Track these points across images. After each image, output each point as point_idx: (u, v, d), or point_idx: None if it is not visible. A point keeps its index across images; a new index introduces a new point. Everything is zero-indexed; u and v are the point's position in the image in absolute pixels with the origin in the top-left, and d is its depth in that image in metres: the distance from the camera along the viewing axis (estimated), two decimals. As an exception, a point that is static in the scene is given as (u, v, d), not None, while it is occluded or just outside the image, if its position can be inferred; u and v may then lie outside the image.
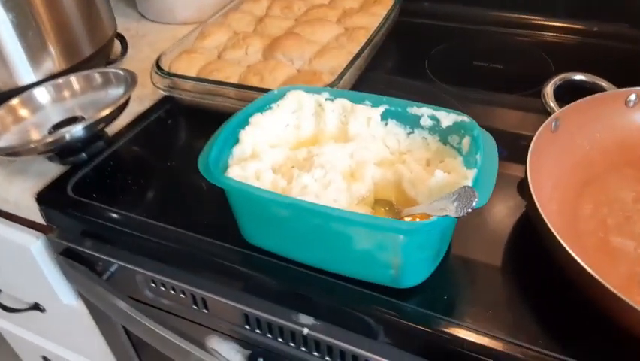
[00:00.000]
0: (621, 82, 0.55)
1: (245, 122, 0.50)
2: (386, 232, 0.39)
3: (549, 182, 0.49)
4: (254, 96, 0.59)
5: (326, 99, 0.52)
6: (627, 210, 0.48)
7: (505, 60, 0.75)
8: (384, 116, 0.51)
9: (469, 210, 0.34)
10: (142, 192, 0.57)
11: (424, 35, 0.84)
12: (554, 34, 0.80)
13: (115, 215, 0.55)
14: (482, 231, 0.49)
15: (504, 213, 0.51)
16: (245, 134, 0.49)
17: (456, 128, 0.47)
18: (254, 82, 0.63)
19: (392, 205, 0.46)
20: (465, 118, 0.46)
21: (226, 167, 0.47)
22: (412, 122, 0.50)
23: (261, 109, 0.52)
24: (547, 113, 0.53)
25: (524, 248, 0.48)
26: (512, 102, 0.68)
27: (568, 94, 0.55)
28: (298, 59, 0.68)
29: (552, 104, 0.53)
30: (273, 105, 0.52)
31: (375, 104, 0.51)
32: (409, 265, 0.42)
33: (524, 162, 0.45)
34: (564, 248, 0.39)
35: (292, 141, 0.52)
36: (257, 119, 0.50)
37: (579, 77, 0.55)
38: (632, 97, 0.53)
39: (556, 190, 0.50)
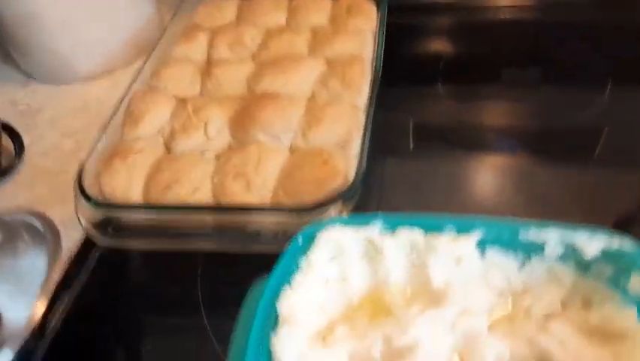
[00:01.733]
0: None
1: (270, 312, 0.30)
2: None
3: None
4: (242, 219, 0.39)
5: (380, 232, 0.33)
6: None
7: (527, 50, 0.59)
8: (481, 245, 0.33)
9: None
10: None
11: (419, 41, 0.65)
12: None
13: None
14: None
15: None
16: (279, 345, 0.29)
17: (607, 256, 0.30)
18: (237, 191, 0.42)
19: None
20: (623, 243, 0.29)
21: None
22: (527, 249, 0.32)
23: (287, 278, 0.32)
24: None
25: None
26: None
27: None
28: (285, 132, 0.47)
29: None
30: (302, 262, 0.33)
31: (462, 230, 0.32)
32: None
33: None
34: None
35: (340, 307, 0.33)
36: (288, 300, 0.31)
37: None
38: None
39: None
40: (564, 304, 0.32)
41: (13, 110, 0.64)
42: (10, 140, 0.57)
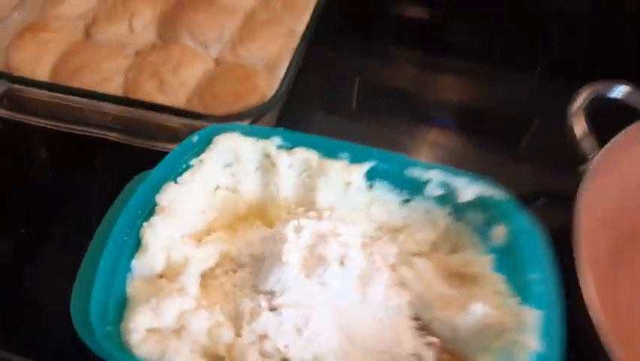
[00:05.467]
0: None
1: (148, 201, 0.30)
2: None
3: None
4: (150, 118, 0.38)
5: (278, 147, 0.33)
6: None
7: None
8: (370, 176, 0.33)
9: None
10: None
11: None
12: None
13: None
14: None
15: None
16: (150, 233, 0.29)
17: (481, 204, 0.32)
18: (148, 89, 0.41)
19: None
20: (497, 193, 0.31)
21: (122, 287, 0.28)
22: (411, 187, 0.33)
23: (174, 171, 0.32)
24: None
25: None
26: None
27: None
28: (215, 41, 0.46)
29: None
30: (194, 162, 0.32)
31: (356, 159, 0.33)
32: None
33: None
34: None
35: (227, 215, 0.34)
36: (169, 195, 0.31)
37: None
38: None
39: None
40: (434, 247, 0.33)
41: None
42: None
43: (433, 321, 0.30)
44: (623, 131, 0.38)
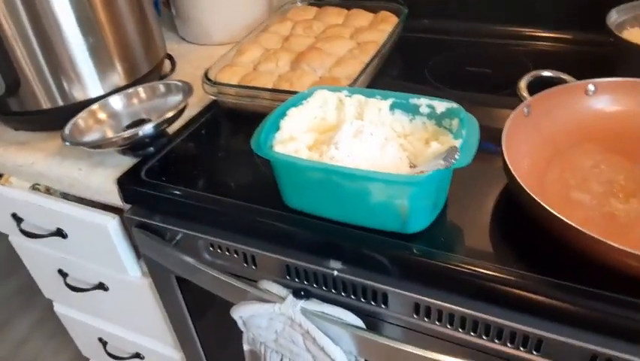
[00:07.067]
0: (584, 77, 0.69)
1: (283, 115, 0.65)
2: (397, 185, 0.53)
3: (521, 155, 0.62)
4: (285, 98, 0.74)
5: (345, 96, 0.67)
6: (585, 173, 0.61)
7: (493, 66, 0.90)
8: (392, 107, 0.65)
9: (453, 161, 0.48)
10: (199, 175, 0.72)
11: (424, 48, 0.99)
12: (535, 42, 0.94)
13: (179, 192, 0.69)
14: (472, 197, 0.63)
15: (490, 184, 0.64)
16: (284, 123, 0.63)
17: (448, 113, 0.61)
18: (285, 87, 0.78)
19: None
20: (454, 105, 0.61)
21: (270, 147, 0.61)
22: (414, 111, 0.64)
23: (295, 104, 0.66)
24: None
25: (506, 210, 0.61)
26: (497, 100, 0.82)
27: (539, 88, 0.68)
28: (320, 68, 0.83)
29: (524, 94, 0.66)
30: (304, 102, 0.67)
31: (384, 98, 0.65)
32: (413, 214, 0.55)
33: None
34: (532, 198, 0.52)
35: (320, 128, 0.67)
36: (292, 112, 0.65)
37: (546, 73, 0.69)
38: (591, 87, 0.66)
39: (527, 161, 0.63)
40: (426, 140, 0.63)
41: (172, 53, 1.05)
42: (169, 63, 0.98)
43: (418, 164, 0.58)
44: (548, 90, 0.66)
